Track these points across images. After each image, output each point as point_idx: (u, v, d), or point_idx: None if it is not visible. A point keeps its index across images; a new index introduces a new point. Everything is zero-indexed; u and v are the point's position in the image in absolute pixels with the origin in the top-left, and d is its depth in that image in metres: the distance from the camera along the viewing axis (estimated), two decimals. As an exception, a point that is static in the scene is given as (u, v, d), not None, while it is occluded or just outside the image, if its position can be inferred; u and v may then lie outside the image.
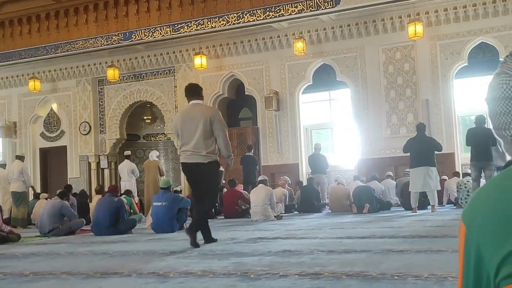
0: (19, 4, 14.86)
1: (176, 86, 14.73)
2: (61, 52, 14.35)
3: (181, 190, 12.67)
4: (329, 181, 12.74)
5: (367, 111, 12.81)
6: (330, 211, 11.03)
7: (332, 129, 14.22)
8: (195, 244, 5.07)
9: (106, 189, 10.84)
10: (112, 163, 15.69)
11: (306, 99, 14.16)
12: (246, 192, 11.12)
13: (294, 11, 12.04)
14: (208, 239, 5.41)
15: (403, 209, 10.37)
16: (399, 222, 7.18)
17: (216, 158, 5.31)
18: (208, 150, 5.22)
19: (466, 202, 9.64)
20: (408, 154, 9.35)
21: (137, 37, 13.60)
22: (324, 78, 13.90)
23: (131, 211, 10.21)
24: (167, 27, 13.31)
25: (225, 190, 11.51)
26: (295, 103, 13.53)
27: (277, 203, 9.79)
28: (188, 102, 5.51)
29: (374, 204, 10.11)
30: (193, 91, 5.49)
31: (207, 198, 5.28)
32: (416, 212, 9.23)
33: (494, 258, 0.69)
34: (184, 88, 5.62)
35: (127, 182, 12.65)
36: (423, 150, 9.12)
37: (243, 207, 10.79)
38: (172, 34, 13.28)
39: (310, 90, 13.84)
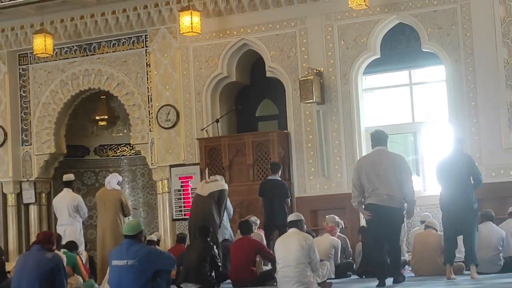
0: None
1: (149, 65, 14.86)
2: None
3: (159, 240, 12.75)
4: (412, 222, 12.75)
5: (474, 104, 12.76)
6: (413, 274, 11.05)
7: (416, 135, 14.12)
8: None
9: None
10: (43, 195, 15.86)
11: (370, 84, 14.16)
12: (267, 243, 11.20)
13: None
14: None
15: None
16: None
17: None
18: (399, 196, 9.11)
19: None
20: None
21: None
22: (401, 48, 13.92)
23: (75, 275, 10.39)
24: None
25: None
26: (352, 90, 13.55)
27: (321, 261, 9.79)
28: (372, 148, 9.55)
29: (494, 260, 10.22)
30: (380, 139, 9.42)
31: (391, 245, 9.20)
32: None
33: None
34: (370, 135, 9.72)
35: (69, 227, 12.70)
36: None
37: (263, 267, 10.88)
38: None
39: (377, 68, 13.88)
